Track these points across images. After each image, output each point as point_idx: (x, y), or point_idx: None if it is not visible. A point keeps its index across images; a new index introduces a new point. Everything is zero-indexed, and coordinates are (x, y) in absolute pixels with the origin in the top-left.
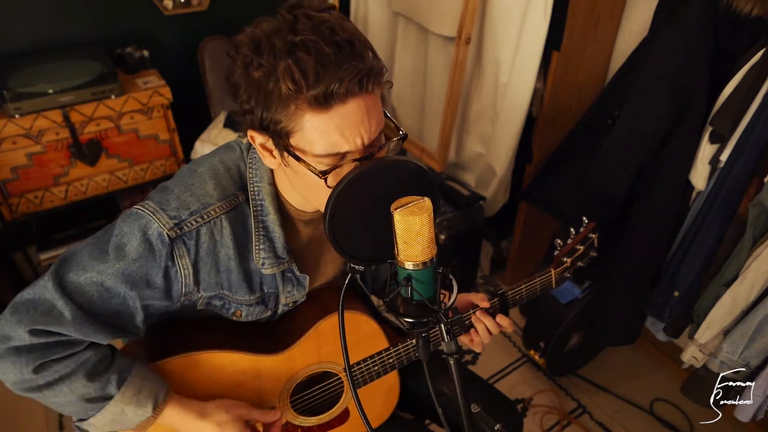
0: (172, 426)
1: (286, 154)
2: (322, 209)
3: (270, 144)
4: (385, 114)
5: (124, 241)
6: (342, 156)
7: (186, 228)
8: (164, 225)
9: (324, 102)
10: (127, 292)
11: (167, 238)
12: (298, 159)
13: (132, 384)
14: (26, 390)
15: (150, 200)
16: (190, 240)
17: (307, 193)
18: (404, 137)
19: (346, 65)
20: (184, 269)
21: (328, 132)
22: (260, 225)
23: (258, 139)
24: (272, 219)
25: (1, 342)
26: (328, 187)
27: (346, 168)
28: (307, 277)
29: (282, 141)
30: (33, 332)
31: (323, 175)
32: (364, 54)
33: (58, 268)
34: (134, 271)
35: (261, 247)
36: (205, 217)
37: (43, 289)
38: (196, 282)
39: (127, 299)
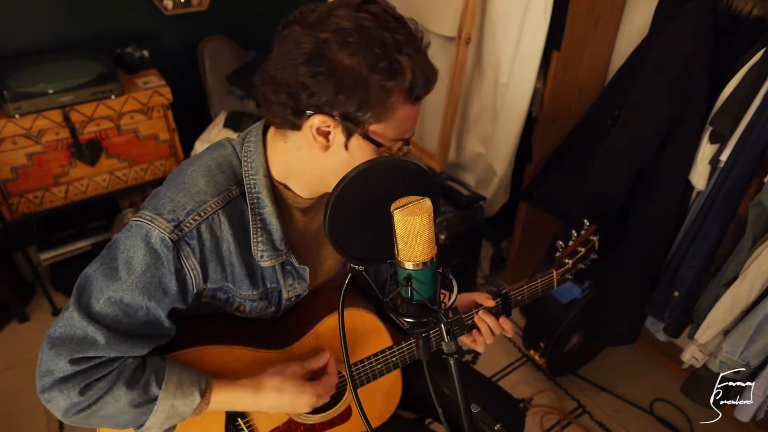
0: (231, 408)
1: (356, 137)
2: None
3: (333, 127)
4: None
5: (131, 255)
6: (406, 140)
7: (186, 228)
8: (164, 229)
9: (419, 98)
10: (147, 303)
11: (170, 242)
12: (378, 144)
13: (171, 379)
14: (77, 413)
15: (145, 209)
16: (192, 240)
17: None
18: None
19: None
20: (192, 270)
21: (408, 120)
22: (257, 218)
23: (317, 122)
24: (269, 211)
25: (47, 376)
26: None
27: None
28: (307, 269)
29: (360, 128)
30: (73, 361)
31: (399, 152)
32: None
33: (78, 297)
34: (148, 282)
35: (259, 239)
36: (202, 214)
37: (71, 320)
38: (205, 279)
39: (150, 309)
